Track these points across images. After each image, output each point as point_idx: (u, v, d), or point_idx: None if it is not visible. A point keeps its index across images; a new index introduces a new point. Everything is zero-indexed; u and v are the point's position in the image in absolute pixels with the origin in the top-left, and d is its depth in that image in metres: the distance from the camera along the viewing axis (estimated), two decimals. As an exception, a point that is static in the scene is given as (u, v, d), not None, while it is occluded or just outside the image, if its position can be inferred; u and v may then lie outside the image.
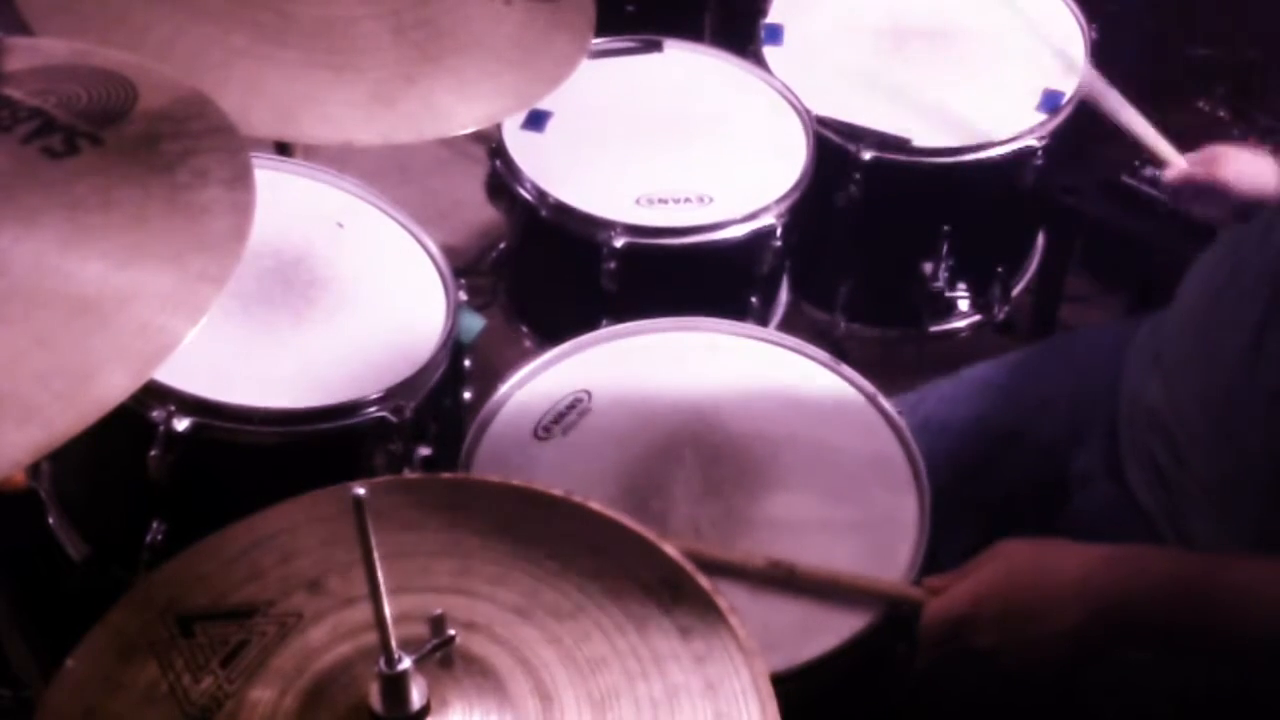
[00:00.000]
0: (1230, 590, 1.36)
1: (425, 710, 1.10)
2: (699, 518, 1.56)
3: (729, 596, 1.22)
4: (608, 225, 1.89)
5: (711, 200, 1.95)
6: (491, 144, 2.01)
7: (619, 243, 1.88)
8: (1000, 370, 1.91)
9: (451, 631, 1.11)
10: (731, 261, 1.96)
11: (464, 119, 1.66)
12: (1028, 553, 1.44)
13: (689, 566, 1.24)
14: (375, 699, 1.10)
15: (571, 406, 1.68)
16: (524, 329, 2.11)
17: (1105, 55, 2.20)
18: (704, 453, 1.63)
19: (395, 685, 1.09)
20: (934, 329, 2.24)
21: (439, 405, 1.78)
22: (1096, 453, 1.69)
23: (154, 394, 1.59)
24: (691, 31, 2.54)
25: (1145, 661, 1.48)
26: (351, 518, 1.04)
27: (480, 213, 2.28)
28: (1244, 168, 1.80)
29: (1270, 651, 1.36)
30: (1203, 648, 1.40)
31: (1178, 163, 1.90)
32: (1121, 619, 1.38)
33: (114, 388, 1.14)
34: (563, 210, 1.92)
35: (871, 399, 1.71)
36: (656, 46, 2.18)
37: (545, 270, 2.07)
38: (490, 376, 1.76)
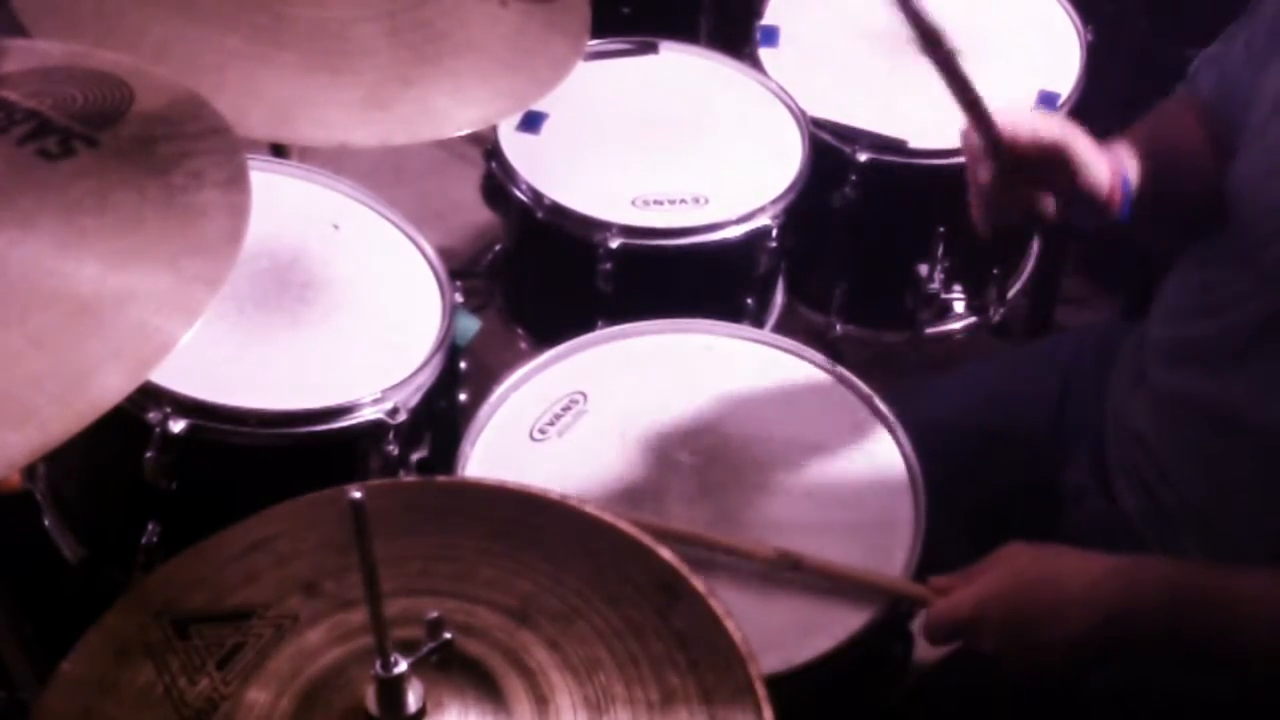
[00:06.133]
0: (1229, 602, 1.36)
1: (421, 713, 1.10)
2: (694, 519, 1.56)
3: (725, 599, 1.22)
4: (603, 226, 1.89)
5: (707, 201, 1.95)
6: (487, 146, 2.01)
7: (615, 244, 1.88)
8: (986, 370, 1.91)
9: (447, 634, 1.11)
10: (727, 263, 1.96)
11: (460, 121, 1.66)
12: (1033, 558, 1.45)
13: (685, 570, 1.24)
14: (371, 702, 1.10)
15: (567, 408, 1.68)
16: (520, 330, 2.11)
17: (1101, 56, 2.20)
18: (699, 454, 1.63)
19: (391, 688, 1.09)
20: (929, 331, 2.24)
21: (434, 407, 1.77)
22: (1084, 465, 1.69)
23: (150, 396, 1.59)
24: (687, 33, 2.53)
25: (1145, 666, 1.49)
26: (347, 521, 1.04)
27: (476, 214, 2.29)
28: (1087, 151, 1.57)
29: (1266, 664, 1.37)
30: (1202, 658, 1.41)
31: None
32: (1124, 629, 1.38)
33: (110, 389, 1.14)
34: (558, 212, 1.92)
35: (867, 401, 1.71)
36: (652, 48, 2.17)
37: (541, 272, 2.07)
38: (486, 378, 1.76)
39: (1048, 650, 1.40)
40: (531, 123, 2.03)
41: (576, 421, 1.67)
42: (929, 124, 2.09)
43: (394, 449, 1.68)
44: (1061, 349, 1.89)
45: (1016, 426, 1.77)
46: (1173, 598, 1.38)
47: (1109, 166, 1.53)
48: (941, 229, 2.13)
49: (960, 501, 1.72)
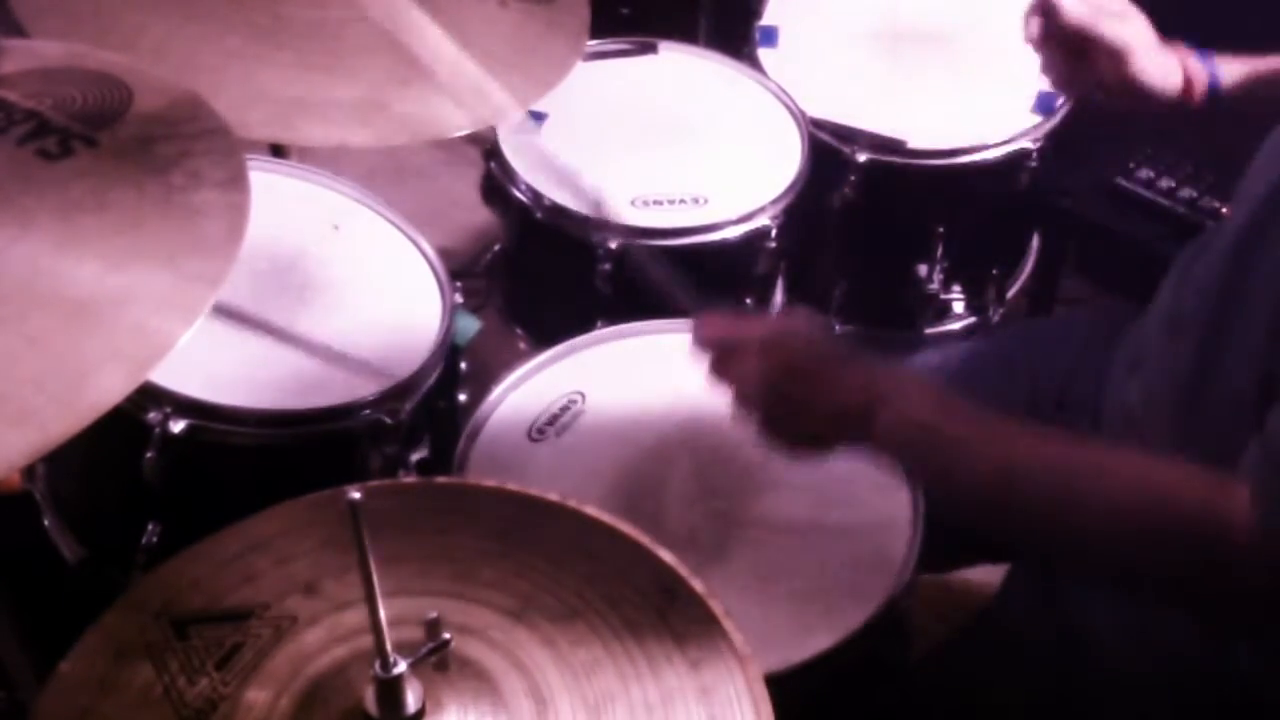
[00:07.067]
0: (955, 439, 1.34)
1: (420, 713, 1.10)
2: (693, 519, 1.57)
3: (723, 599, 1.22)
4: (603, 227, 1.89)
5: (707, 202, 1.95)
6: (487, 146, 2.01)
7: (614, 244, 1.88)
8: (972, 358, 1.91)
9: (446, 635, 1.11)
10: (727, 263, 1.96)
11: (459, 121, 1.66)
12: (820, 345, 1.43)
13: (684, 570, 1.24)
14: (370, 702, 1.10)
15: (565, 408, 1.68)
16: (519, 331, 2.11)
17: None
18: (698, 454, 1.64)
19: (390, 688, 1.09)
20: (929, 331, 2.24)
21: (434, 407, 1.78)
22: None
23: (149, 396, 1.59)
24: (686, 33, 2.54)
25: (1145, 666, 1.49)
26: (347, 521, 1.04)
27: (475, 215, 2.28)
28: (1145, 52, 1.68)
29: (979, 509, 1.36)
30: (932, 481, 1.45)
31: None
32: (888, 419, 1.35)
33: (109, 390, 1.13)
34: (558, 212, 1.92)
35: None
36: (651, 48, 2.17)
37: (540, 272, 2.07)
38: (485, 378, 1.76)
39: (816, 410, 1.38)
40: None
41: (574, 422, 1.67)
42: (928, 124, 2.09)
43: (393, 449, 1.68)
44: (1077, 326, 1.89)
45: (1015, 402, 1.77)
46: (922, 417, 1.36)
47: (1178, 62, 1.67)
48: (940, 229, 2.14)
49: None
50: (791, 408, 1.40)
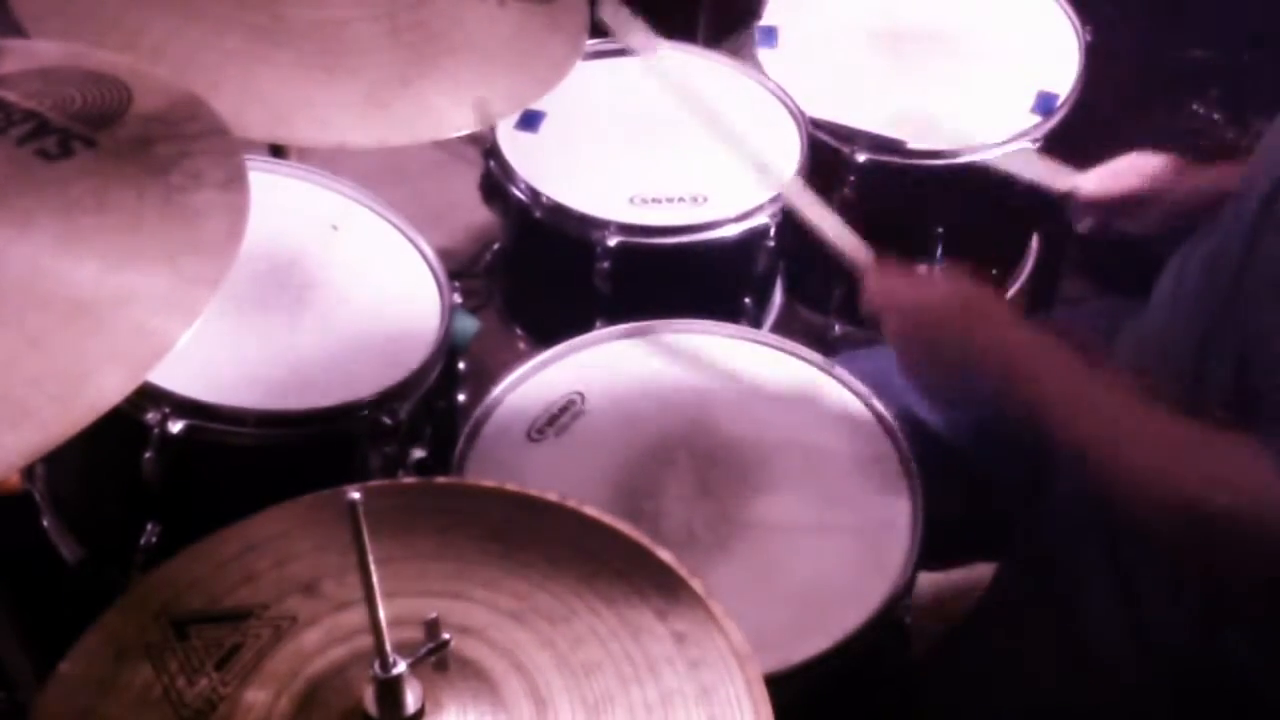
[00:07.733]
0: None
1: (420, 714, 1.10)
2: (692, 519, 1.57)
3: (722, 599, 1.22)
4: (601, 225, 1.89)
5: (705, 200, 1.95)
6: (486, 145, 2.01)
7: (613, 242, 1.88)
8: None
9: (446, 635, 1.11)
10: (725, 262, 1.96)
11: (458, 121, 1.66)
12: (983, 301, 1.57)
13: (682, 571, 1.24)
14: (370, 702, 1.10)
15: (565, 408, 1.68)
16: (518, 330, 2.11)
17: (1099, 58, 2.20)
18: (697, 454, 1.64)
19: (390, 689, 1.09)
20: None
21: (433, 407, 1.78)
22: None
23: (148, 396, 1.59)
24: (686, 33, 2.53)
25: (1143, 660, 1.49)
26: (346, 522, 1.04)
27: (475, 214, 2.28)
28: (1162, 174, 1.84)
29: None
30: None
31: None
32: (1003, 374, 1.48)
33: (109, 390, 1.14)
34: (557, 210, 1.92)
35: (864, 400, 1.71)
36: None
37: (540, 271, 2.07)
38: (485, 378, 1.76)
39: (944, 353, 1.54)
40: (530, 122, 2.03)
41: (574, 422, 1.67)
42: (927, 124, 2.09)
43: (393, 450, 1.68)
44: (1077, 326, 1.89)
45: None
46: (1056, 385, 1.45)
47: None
48: (940, 229, 2.14)
49: (957, 485, 1.72)
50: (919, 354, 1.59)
